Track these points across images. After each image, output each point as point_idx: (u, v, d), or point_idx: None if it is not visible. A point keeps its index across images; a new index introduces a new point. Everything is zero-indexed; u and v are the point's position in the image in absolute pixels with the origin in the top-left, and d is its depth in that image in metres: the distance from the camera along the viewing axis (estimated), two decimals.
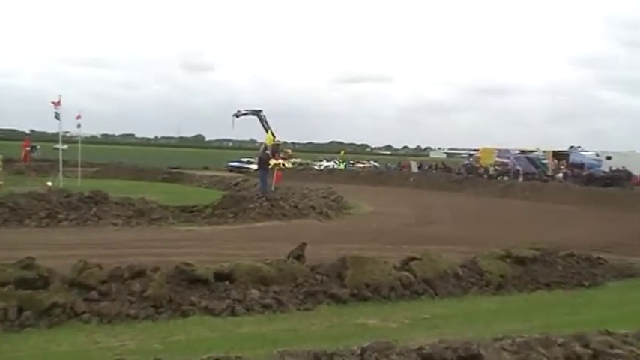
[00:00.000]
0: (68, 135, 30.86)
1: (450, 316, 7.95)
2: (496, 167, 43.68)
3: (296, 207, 19.41)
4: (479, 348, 4.68)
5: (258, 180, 24.41)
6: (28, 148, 42.59)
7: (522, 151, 46.39)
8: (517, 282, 9.91)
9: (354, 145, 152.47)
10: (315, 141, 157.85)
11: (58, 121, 24.40)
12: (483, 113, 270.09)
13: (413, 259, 9.39)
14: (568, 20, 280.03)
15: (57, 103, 24.02)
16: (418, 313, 7.86)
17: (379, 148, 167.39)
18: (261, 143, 32.07)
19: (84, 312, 6.72)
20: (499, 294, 9.44)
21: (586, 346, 5.02)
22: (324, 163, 54.85)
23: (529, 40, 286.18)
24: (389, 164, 56.99)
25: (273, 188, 23.35)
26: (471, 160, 53.30)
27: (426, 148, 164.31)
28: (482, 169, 43.95)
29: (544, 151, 45.64)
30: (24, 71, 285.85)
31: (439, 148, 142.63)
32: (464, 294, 9.15)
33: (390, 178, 42.97)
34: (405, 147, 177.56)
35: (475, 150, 58.76)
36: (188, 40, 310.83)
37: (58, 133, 26.04)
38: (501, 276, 9.79)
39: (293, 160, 52.36)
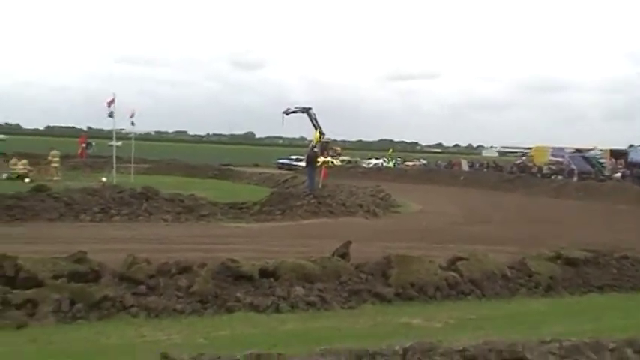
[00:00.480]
0: (123, 132, 31.65)
1: (497, 317, 7.81)
2: (550, 166, 42.57)
3: (343, 205, 19.42)
4: (524, 350, 4.57)
5: (306, 177, 24.53)
6: (84, 145, 44.10)
7: (578, 150, 45.04)
8: (568, 284, 9.60)
9: (404, 142, 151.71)
10: (364, 139, 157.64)
11: (111, 119, 25.11)
12: (537, 110, 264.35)
13: (460, 258, 9.24)
14: (626, 15, 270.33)
15: (111, 102, 24.72)
16: (464, 314, 7.73)
17: (430, 146, 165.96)
18: (310, 141, 32.26)
19: (132, 305, 6.90)
20: (548, 296, 9.17)
21: (639, 352, 4.84)
22: (373, 161, 54.72)
23: (584, 36, 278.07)
24: (439, 162, 56.41)
25: (320, 186, 23.40)
26: (523, 158, 52.20)
27: (478, 147, 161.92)
28: (536, 168, 42.95)
29: (601, 150, 44.15)
30: (82, 70, 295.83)
31: (491, 147, 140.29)
32: (512, 295, 8.94)
33: (440, 176, 42.48)
34: (456, 145, 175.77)
35: (528, 148, 57.50)
36: (238, 38, 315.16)
37: (112, 130, 26.79)
38: (551, 277, 9.52)
39: (342, 157, 52.41)
